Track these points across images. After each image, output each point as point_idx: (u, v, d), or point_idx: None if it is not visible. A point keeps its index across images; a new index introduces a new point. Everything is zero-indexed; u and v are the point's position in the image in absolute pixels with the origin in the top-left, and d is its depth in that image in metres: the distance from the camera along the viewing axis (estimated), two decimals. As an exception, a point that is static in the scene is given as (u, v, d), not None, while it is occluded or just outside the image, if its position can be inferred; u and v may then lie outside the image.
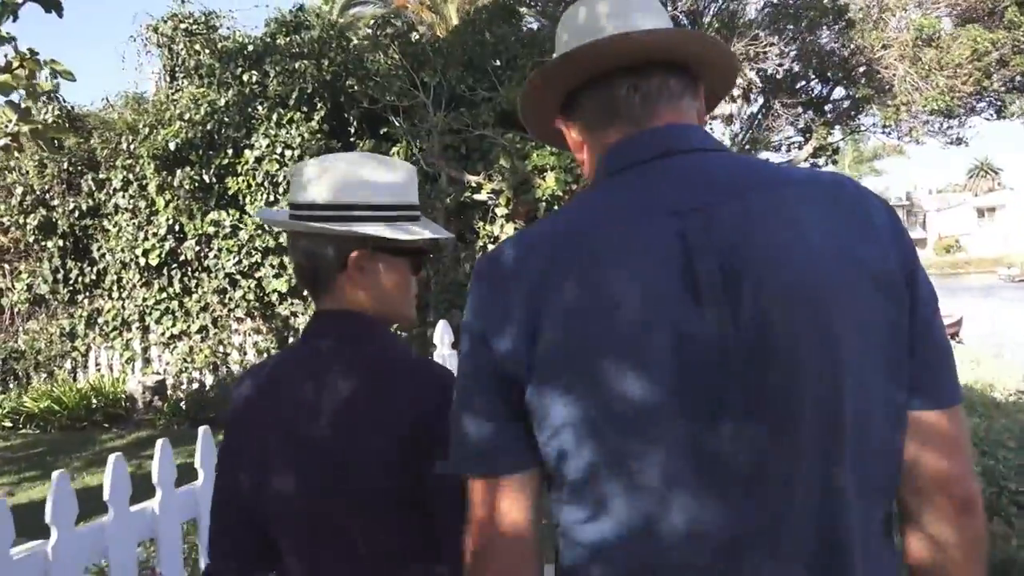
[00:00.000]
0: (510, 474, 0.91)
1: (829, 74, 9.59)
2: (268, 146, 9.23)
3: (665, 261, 0.86)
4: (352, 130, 9.84)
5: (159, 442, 2.35)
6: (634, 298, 0.85)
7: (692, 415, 0.84)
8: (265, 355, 9.65)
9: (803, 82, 9.85)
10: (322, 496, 1.19)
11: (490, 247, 9.05)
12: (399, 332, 8.73)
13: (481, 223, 9.30)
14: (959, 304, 22.45)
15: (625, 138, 0.97)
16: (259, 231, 9.32)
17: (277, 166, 9.21)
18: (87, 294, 10.44)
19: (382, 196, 1.28)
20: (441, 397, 1.13)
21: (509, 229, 8.98)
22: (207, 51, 9.95)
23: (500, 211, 9.06)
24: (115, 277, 10.17)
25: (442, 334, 4.23)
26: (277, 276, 9.41)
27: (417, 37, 10.10)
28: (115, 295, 10.22)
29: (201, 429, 2.49)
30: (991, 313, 24.86)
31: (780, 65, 8.87)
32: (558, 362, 0.87)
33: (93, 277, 10.33)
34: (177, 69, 10.44)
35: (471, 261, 9.25)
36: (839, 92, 10.41)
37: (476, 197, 9.27)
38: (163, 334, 10.00)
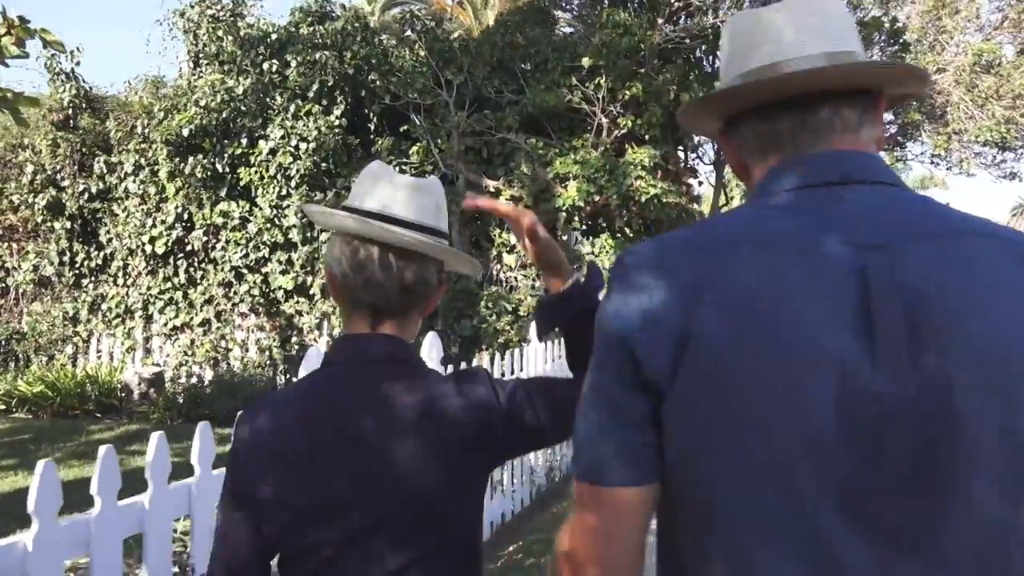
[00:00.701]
0: (622, 486, 0.85)
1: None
2: (283, 137, 8.89)
3: (840, 296, 0.77)
4: (372, 127, 9.45)
5: (154, 436, 2.23)
6: (800, 328, 0.77)
7: (844, 469, 0.76)
8: (267, 353, 9.30)
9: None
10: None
11: (505, 256, 8.59)
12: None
13: (497, 230, 8.85)
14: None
15: (792, 160, 0.89)
16: (268, 225, 8.97)
17: (291, 159, 8.87)
18: (92, 279, 10.18)
19: (443, 222, 1.29)
20: (488, 380, 1.23)
21: (527, 239, 8.52)
22: (229, 38, 9.63)
23: (518, 219, 8.58)
24: (121, 263, 9.90)
25: (430, 347, 3.79)
26: (284, 272, 9.06)
27: (445, 34, 9.68)
28: (120, 281, 9.95)
29: (200, 425, 2.39)
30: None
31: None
32: (705, 378, 0.79)
33: (99, 262, 10.07)
34: (201, 56, 10.15)
35: (484, 269, 8.80)
36: (887, 116, 9.82)
37: (494, 203, 8.80)
38: (165, 324, 9.68)
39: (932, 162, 10.48)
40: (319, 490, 1.16)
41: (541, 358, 5.84)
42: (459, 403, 1.18)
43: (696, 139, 10.08)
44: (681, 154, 10.49)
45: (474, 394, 1.20)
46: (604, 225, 8.62)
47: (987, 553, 0.77)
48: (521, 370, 5.60)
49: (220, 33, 9.77)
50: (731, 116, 0.96)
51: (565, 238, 8.80)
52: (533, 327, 6.08)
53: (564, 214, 8.26)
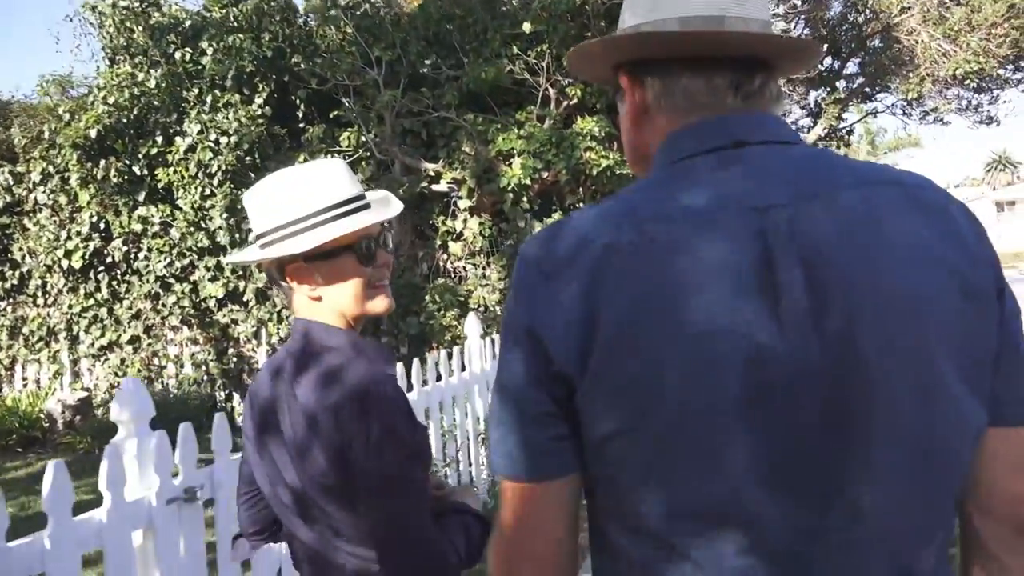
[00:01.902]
0: (545, 479, 0.84)
1: (841, 45, 8.33)
2: (200, 132, 8.12)
3: (742, 262, 0.77)
4: (300, 114, 8.70)
5: (51, 466, 2.07)
6: (707, 299, 0.77)
7: (762, 432, 0.77)
8: (204, 368, 8.57)
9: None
10: (291, 485, 1.34)
11: (451, 245, 7.89)
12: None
13: (441, 217, 8.14)
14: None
15: (695, 124, 0.88)
16: (191, 229, 8.21)
17: (211, 155, 8.10)
18: (10, 300, 9.42)
19: (301, 208, 1.34)
20: (354, 402, 1.25)
21: (473, 224, 7.82)
22: (139, 28, 8.82)
23: (463, 203, 7.88)
24: (39, 281, 9.12)
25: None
26: (213, 279, 8.31)
27: (374, 9, 8.92)
28: (40, 301, 9.19)
29: (107, 448, 2.23)
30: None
31: (783, 31, 7.64)
32: (615, 362, 0.78)
33: (15, 281, 9.30)
34: (115, 51, 9.32)
35: (429, 260, 8.10)
36: (852, 67, 9.16)
37: (435, 187, 8.11)
38: (92, 344, 8.91)
39: (904, 112, 9.86)
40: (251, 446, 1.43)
41: (479, 355, 5.16)
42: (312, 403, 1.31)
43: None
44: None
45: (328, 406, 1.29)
46: (557, 204, 7.93)
47: (900, 507, 0.79)
48: (463, 370, 4.95)
49: (129, 24, 8.95)
50: (641, 61, 0.93)
51: (521, 224, 8.11)
52: (470, 321, 5.44)
53: (511, 195, 7.55)
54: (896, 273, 0.77)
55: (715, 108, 0.89)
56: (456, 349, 4.89)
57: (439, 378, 4.58)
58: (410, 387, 4.23)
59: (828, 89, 8.93)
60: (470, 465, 4.91)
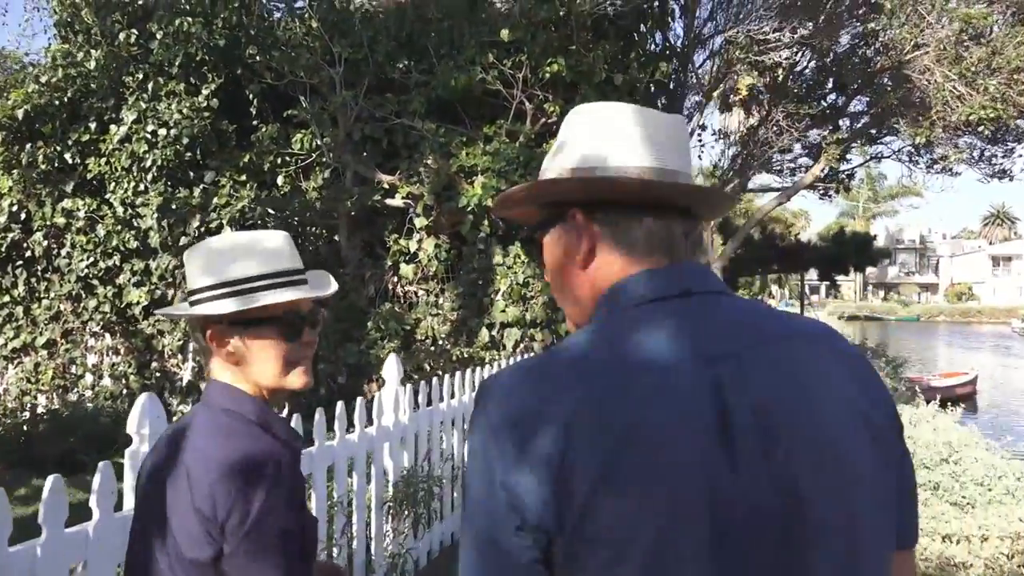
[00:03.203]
0: None
1: (847, 81, 7.62)
2: (137, 121, 7.33)
3: (699, 410, 0.81)
4: (253, 111, 7.93)
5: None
6: (674, 449, 0.80)
7: (728, 573, 0.80)
8: (123, 380, 7.74)
9: (815, 89, 7.88)
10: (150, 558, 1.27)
11: (403, 267, 7.10)
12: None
13: (395, 235, 7.36)
14: (979, 360, 20.55)
15: (649, 271, 0.93)
16: (119, 226, 7.40)
17: (146, 147, 7.32)
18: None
19: (236, 271, 1.35)
20: (241, 474, 1.20)
21: (428, 245, 7.04)
22: (87, 4, 8.05)
23: (419, 221, 7.10)
24: (-48, 272, 8.26)
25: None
26: (139, 285, 7.48)
27: (344, 3, 8.18)
28: (-50, 294, 8.31)
29: (50, 479, 2.00)
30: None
31: (787, 60, 6.92)
32: (594, 515, 0.79)
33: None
34: (62, 27, 8.55)
35: (377, 282, 7.30)
36: (858, 106, 8.44)
37: (390, 202, 7.32)
38: (5, 346, 8.06)
39: (910, 160, 9.14)
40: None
41: (394, 404, 4.34)
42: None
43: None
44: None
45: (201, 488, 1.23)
46: (521, 229, 7.15)
47: None
48: (370, 423, 4.14)
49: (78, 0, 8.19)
50: (595, 202, 0.96)
51: (480, 247, 7.33)
52: (390, 364, 4.67)
53: (472, 215, 6.77)
54: (828, 423, 0.85)
55: (670, 253, 0.94)
56: (360, 401, 4.10)
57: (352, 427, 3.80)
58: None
59: (830, 127, 8.21)
60: (369, 540, 4.08)
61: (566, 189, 0.96)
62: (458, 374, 5.29)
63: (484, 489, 0.83)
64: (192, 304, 1.37)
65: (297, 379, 1.38)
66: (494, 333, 6.75)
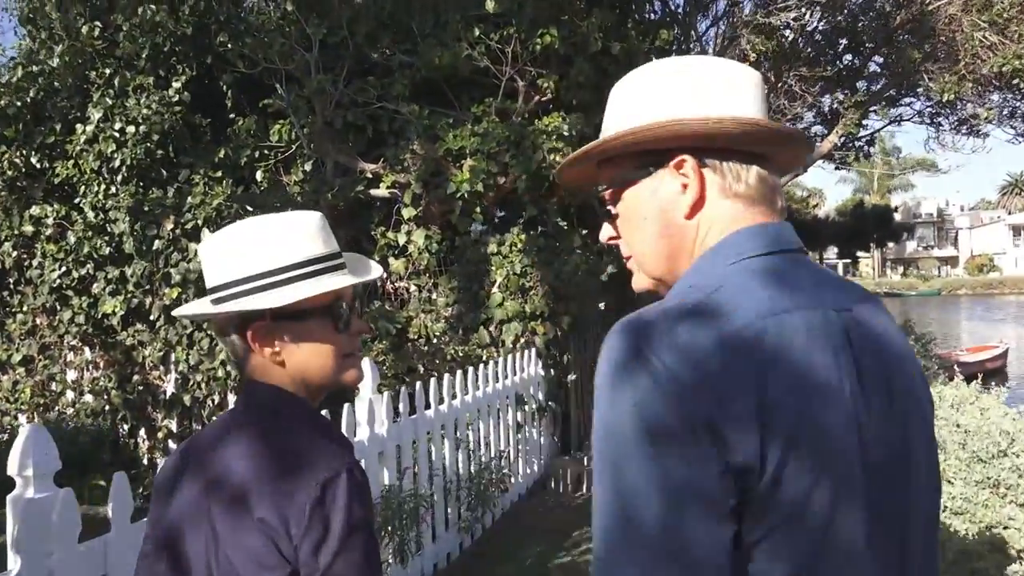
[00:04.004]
0: None
1: (864, 38, 7.01)
2: (104, 119, 6.85)
3: (844, 358, 0.84)
4: (229, 103, 7.44)
5: None
6: (840, 395, 0.83)
7: (883, 532, 0.85)
8: (105, 397, 7.29)
9: (828, 50, 7.27)
10: None
11: (392, 261, 6.59)
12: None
13: (381, 228, 6.84)
14: (1004, 332, 19.90)
15: (763, 224, 0.94)
16: (91, 232, 6.95)
17: (115, 146, 6.85)
18: None
19: (271, 260, 1.22)
20: (318, 494, 1.08)
21: (418, 237, 6.52)
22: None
23: (407, 212, 6.58)
24: (-77, 289, 7.83)
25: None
26: (114, 293, 7.02)
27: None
28: (-77, 312, 7.88)
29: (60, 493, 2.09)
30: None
31: (796, 20, 6.33)
32: (793, 454, 0.79)
33: None
34: (25, 24, 8.09)
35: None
36: (876, 67, 7.81)
37: (375, 192, 6.81)
38: (-20, 364, 7.65)
39: (932, 122, 8.51)
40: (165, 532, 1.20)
41: (369, 417, 3.85)
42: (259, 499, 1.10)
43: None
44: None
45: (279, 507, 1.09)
46: (518, 214, 6.64)
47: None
48: (353, 435, 3.68)
49: (39, -6, 7.72)
50: (698, 149, 0.94)
51: (475, 231, 6.81)
52: (364, 369, 4.16)
53: (461, 202, 6.25)
54: (913, 383, 0.93)
55: (772, 205, 0.96)
56: (348, 407, 3.61)
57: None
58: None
59: (847, 91, 7.60)
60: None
61: (679, 132, 0.92)
62: (447, 376, 4.75)
63: (666, 435, 0.78)
64: (219, 301, 1.23)
65: (352, 373, 1.28)
66: (491, 329, 6.23)
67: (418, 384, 4.30)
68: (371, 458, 3.75)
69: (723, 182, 0.93)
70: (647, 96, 0.96)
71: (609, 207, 1.03)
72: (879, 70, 7.65)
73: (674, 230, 0.95)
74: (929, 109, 8.36)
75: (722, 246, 0.91)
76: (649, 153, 0.95)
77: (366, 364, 3.96)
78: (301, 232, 1.24)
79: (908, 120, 8.43)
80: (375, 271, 1.35)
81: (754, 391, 0.77)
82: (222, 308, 1.21)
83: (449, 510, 4.55)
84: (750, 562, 0.79)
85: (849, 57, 7.52)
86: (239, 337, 1.23)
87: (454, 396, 4.72)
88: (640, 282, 1.03)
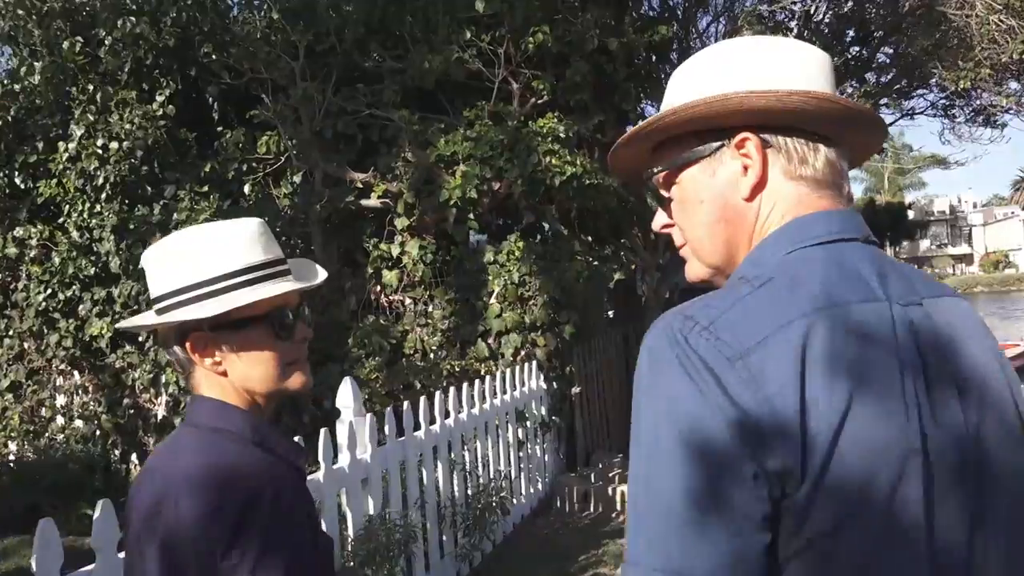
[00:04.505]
0: None
1: (872, 27, 6.72)
2: (86, 136, 6.64)
3: (910, 352, 0.80)
4: (216, 116, 7.22)
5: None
6: (898, 392, 0.78)
7: (945, 525, 0.78)
8: (95, 422, 7.06)
9: (835, 41, 6.97)
10: None
11: (385, 274, 6.33)
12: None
13: (375, 239, 6.58)
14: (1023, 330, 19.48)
15: (834, 210, 0.89)
16: (75, 253, 6.72)
17: (97, 163, 6.63)
18: None
19: (209, 269, 1.20)
20: (234, 507, 1.08)
21: (412, 247, 6.25)
22: (33, 16, 7.38)
23: (400, 222, 6.32)
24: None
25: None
26: (101, 315, 6.79)
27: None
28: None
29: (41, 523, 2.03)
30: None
31: (800, 8, 6.04)
32: (838, 453, 0.74)
33: None
34: (4, 42, 7.90)
35: (359, 292, 6.54)
36: (884, 59, 7.50)
37: (365, 203, 6.55)
38: (-32, 392, 7.42)
39: (945, 114, 8.19)
40: None
41: (349, 439, 3.57)
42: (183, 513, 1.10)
43: (643, 104, 7.80)
44: (626, 127, 8.22)
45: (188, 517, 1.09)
46: (514, 222, 6.37)
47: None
48: (335, 462, 3.41)
49: (21, 10, 7.52)
50: (762, 127, 0.89)
51: (474, 241, 6.55)
52: (344, 390, 3.89)
53: (455, 210, 5.98)
54: (993, 382, 0.85)
55: (839, 189, 0.91)
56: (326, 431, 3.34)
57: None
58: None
59: (855, 83, 7.29)
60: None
61: (747, 106, 0.86)
62: (438, 394, 4.47)
63: (699, 436, 0.74)
64: (160, 312, 1.22)
65: (296, 380, 1.26)
66: (490, 341, 5.95)
67: (406, 404, 4.02)
68: (353, 486, 3.47)
69: (787, 163, 0.88)
70: (710, 72, 0.91)
71: (663, 191, 0.98)
72: (888, 60, 7.34)
73: (732, 214, 0.91)
74: (943, 101, 8.05)
75: (782, 233, 0.87)
76: (710, 131, 0.90)
77: (347, 384, 3.69)
78: (240, 239, 1.22)
79: (921, 113, 8.12)
80: (320, 276, 1.32)
81: (795, 390, 0.74)
82: (162, 319, 1.20)
83: (444, 537, 4.26)
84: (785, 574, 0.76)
85: (857, 49, 7.21)
86: (180, 348, 1.21)
87: (447, 415, 4.43)
88: (695, 271, 0.97)
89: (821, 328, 0.76)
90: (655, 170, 0.97)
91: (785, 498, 0.73)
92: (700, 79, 0.91)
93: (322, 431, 3.33)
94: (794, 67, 0.89)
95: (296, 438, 3.25)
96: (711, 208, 0.92)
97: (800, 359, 0.74)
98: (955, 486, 0.77)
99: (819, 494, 0.73)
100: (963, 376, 0.81)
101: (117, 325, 1.39)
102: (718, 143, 0.90)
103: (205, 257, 1.20)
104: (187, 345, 1.20)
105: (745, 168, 0.88)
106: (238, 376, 1.21)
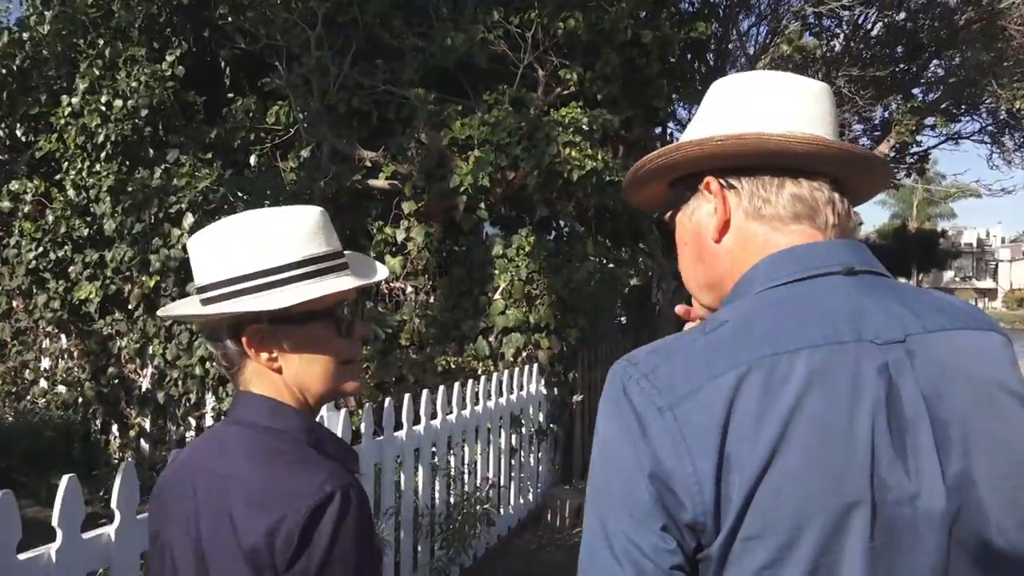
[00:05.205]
0: None
1: (923, 39, 6.30)
2: (89, 91, 6.36)
3: (871, 399, 0.77)
4: (227, 81, 6.93)
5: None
6: (843, 442, 0.75)
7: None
8: (78, 389, 6.79)
9: (884, 50, 6.56)
10: None
11: (388, 259, 6.00)
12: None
13: (379, 222, 6.25)
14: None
15: (803, 246, 0.88)
16: (68, 212, 6.45)
17: (99, 120, 6.34)
18: None
19: (269, 259, 1.13)
20: (304, 522, 1.00)
21: (418, 234, 5.92)
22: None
23: (407, 206, 5.99)
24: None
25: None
26: (91, 279, 6.51)
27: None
28: None
29: (65, 479, 2.01)
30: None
31: (848, 16, 5.64)
32: (759, 507, 0.74)
33: None
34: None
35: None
36: (934, 72, 7.07)
37: (374, 183, 6.23)
38: (-47, 348, 7.19)
39: (993, 141, 7.73)
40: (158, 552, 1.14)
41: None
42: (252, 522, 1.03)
43: (674, 104, 7.42)
44: (655, 129, 7.84)
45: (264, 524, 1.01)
46: (535, 214, 6.01)
47: None
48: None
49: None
50: (730, 168, 0.92)
51: (488, 234, 6.22)
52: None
53: (465, 198, 5.63)
54: (997, 420, 0.79)
55: (814, 220, 0.89)
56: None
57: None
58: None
59: (900, 97, 6.87)
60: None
61: (691, 155, 0.91)
62: (426, 392, 4.12)
63: (622, 484, 0.77)
64: (209, 302, 1.13)
65: (352, 382, 1.20)
66: (491, 339, 5.60)
67: (387, 401, 3.68)
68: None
69: (748, 204, 0.90)
70: (695, 118, 0.97)
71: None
72: (940, 74, 6.91)
73: (708, 255, 0.93)
74: (991, 127, 7.60)
75: (752, 273, 0.88)
76: (687, 176, 0.95)
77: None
78: (301, 228, 1.15)
79: (967, 138, 7.67)
80: (380, 272, 1.26)
81: (715, 443, 0.74)
82: (213, 309, 1.13)
83: (420, 548, 3.92)
84: None
85: (904, 65, 6.77)
86: (233, 342, 1.15)
87: (435, 415, 4.09)
88: (695, 309, 1.01)
89: (755, 378, 0.75)
90: (660, 211, 1.01)
91: (701, 548, 0.74)
92: (693, 121, 0.97)
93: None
94: (763, 105, 0.90)
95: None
96: (691, 250, 0.95)
97: (726, 411, 0.74)
98: (920, 539, 0.74)
99: (737, 546, 0.73)
100: (945, 420, 0.77)
101: (160, 312, 1.24)
102: (692, 188, 0.93)
103: (264, 245, 1.12)
104: (243, 339, 1.13)
105: (712, 211, 0.91)
106: (293, 374, 1.14)
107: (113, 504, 2.15)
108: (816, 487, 0.72)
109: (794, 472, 0.72)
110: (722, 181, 0.90)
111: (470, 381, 4.57)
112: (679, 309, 1.03)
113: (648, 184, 0.99)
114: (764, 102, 0.90)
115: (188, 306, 1.20)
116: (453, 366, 5.43)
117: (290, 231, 1.14)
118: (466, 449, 4.50)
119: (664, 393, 0.77)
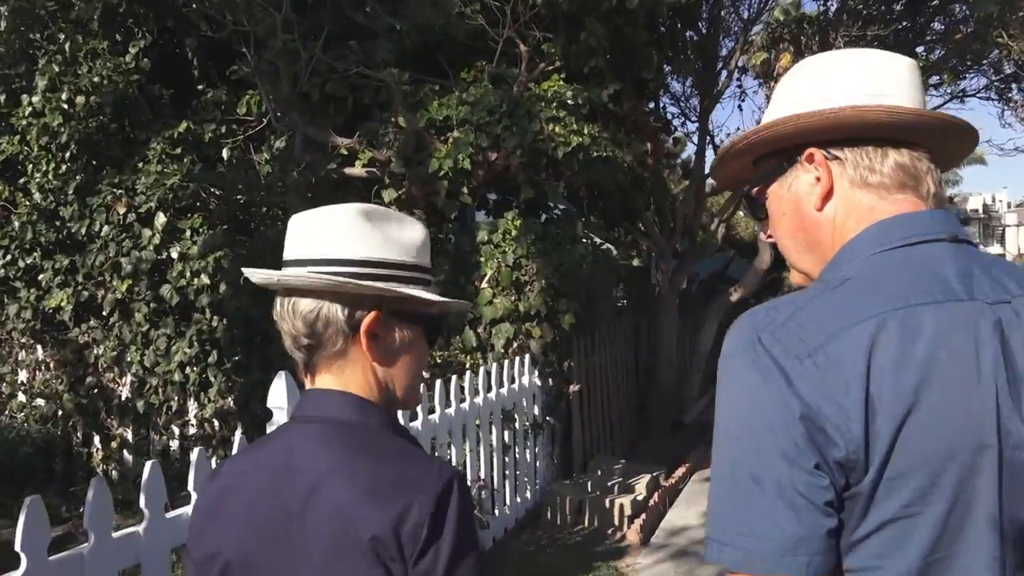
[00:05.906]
0: None
1: (924, -7, 5.94)
2: (49, 89, 6.05)
3: (991, 352, 0.81)
4: (196, 72, 6.60)
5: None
6: (973, 388, 0.80)
7: (1007, 518, 0.80)
8: (57, 402, 6.52)
9: (882, 6, 6.20)
10: None
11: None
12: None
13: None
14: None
15: (909, 213, 0.93)
16: (35, 216, 6.15)
17: (62, 119, 6.03)
18: None
19: (398, 253, 1.14)
20: (432, 509, 0.97)
21: (399, 223, 5.54)
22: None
23: (387, 194, 5.67)
24: None
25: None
26: (63, 285, 6.23)
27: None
28: None
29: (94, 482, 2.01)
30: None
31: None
32: (902, 447, 0.79)
33: None
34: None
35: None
36: (937, 31, 6.71)
37: (350, 171, 5.91)
38: (-73, 363, 6.91)
39: (1000, 98, 7.36)
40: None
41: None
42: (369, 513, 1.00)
43: (666, 76, 7.06)
44: (647, 102, 7.49)
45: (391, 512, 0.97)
46: (514, 197, 5.70)
47: None
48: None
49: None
50: (825, 142, 0.96)
51: (478, 223, 5.91)
52: (278, 387, 3.26)
53: (446, 182, 5.31)
54: None
55: (918, 189, 0.93)
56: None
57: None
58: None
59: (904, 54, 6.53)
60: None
61: (801, 127, 0.95)
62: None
63: (768, 427, 0.80)
64: (354, 276, 1.07)
65: (418, 394, 1.20)
66: (479, 330, 5.30)
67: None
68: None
69: (854, 172, 0.94)
70: (779, 96, 1.02)
71: (761, 204, 1.06)
72: (943, 30, 6.54)
73: (809, 223, 0.98)
74: (998, 83, 7.25)
75: (863, 237, 0.92)
76: (783, 150, 0.99)
77: (280, 380, 3.07)
78: (420, 240, 1.16)
79: (973, 95, 7.33)
80: (461, 306, 1.33)
81: (860, 386, 0.78)
82: (366, 283, 1.07)
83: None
84: (852, 559, 0.80)
85: (907, 22, 6.42)
86: (347, 320, 1.07)
87: (415, 417, 3.80)
88: (793, 277, 1.06)
89: (891, 327, 0.80)
90: (749, 185, 1.07)
91: (850, 487, 0.79)
92: (773, 103, 1.02)
93: (240, 437, 2.71)
94: (854, 80, 0.95)
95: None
96: (791, 219, 1.01)
97: (867, 356, 0.79)
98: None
99: (884, 484, 0.78)
100: None
101: (278, 275, 1.09)
102: (790, 161, 0.99)
103: (406, 243, 1.13)
104: (364, 320, 1.08)
105: (817, 180, 0.96)
106: (387, 372, 1.12)
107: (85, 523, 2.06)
108: (957, 427, 0.78)
109: (938, 412, 0.77)
110: (826, 152, 0.95)
111: (454, 378, 4.27)
112: (796, 279, 1.05)
113: (736, 160, 1.05)
114: (860, 76, 0.94)
115: (315, 273, 1.09)
116: (439, 361, 5.13)
117: (417, 237, 1.15)
118: (453, 449, 4.21)
119: (803, 341, 0.81)
